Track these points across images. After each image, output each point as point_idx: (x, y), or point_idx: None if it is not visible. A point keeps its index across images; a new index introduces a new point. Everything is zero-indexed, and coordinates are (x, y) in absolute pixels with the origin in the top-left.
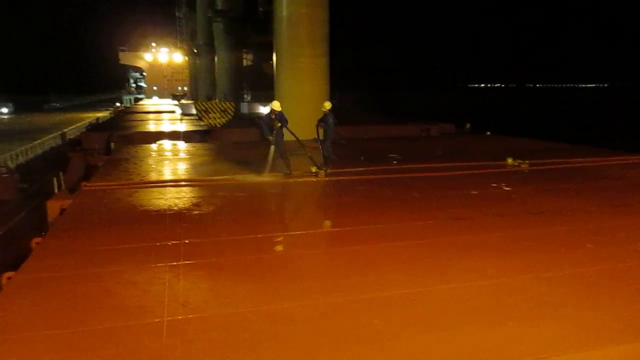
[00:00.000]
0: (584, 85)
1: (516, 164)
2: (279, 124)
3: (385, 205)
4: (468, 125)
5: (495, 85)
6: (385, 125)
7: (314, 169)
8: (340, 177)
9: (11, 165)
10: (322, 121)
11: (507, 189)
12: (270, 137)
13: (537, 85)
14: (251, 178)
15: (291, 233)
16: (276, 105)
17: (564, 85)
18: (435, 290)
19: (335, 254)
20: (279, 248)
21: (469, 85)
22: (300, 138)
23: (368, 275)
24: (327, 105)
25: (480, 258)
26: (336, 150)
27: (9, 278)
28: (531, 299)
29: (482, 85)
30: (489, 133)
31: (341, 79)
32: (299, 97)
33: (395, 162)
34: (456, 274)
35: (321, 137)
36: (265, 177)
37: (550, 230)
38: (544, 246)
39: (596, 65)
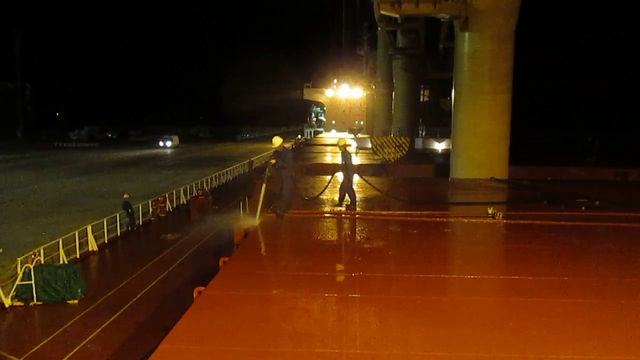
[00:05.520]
0: None
1: None
2: (273, 161)
3: (571, 255)
4: None
5: None
6: (572, 167)
7: (490, 210)
8: (520, 221)
9: (206, 188)
10: (343, 159)
11: None
12: (266, 175)
13: None
14: (246, 221)
15: (463, 276)
16: (274, 141)
17: None
18: None
19: (512, 304)
20: (450, 291)
21: None
22: (475, 176)
23: (548, 333)
24: (342, 142)
25: None
26: (519, 192)
27: (199, 292)
28: None
29: None
30: None
31: (522, 115)
32: (477, 134)
33: (583, 208)
34: None
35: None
36: (256, 220)
37: None
38: None
39: None
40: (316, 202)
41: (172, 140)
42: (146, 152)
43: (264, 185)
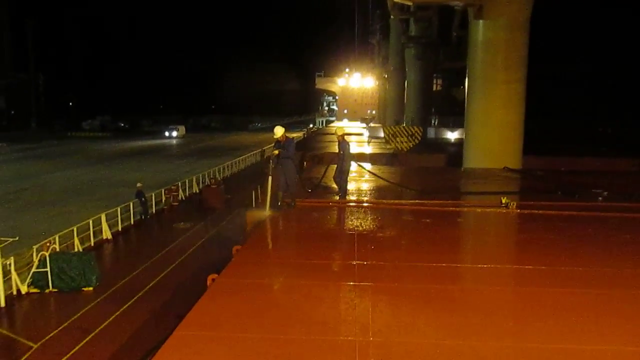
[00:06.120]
0: None
1: None
2: (277, 152)
3: (585, 246)
4: None
5: None
6: (586, 157)
7: (503, 200)
8: (534, 211)
9: (219, 177)
10: (340, 149)
11: None
12: (270, 167)
13: None
14: (258, 210)
15: (475, 266)
16: (277, 131)
17: None
18: None
19: (524, 294)
20: (463, 280)
21: None
22: (488, 166)
23: (561, 323)
24: (341, 131)
25: None
26: (532, 182)
27: (213, 279)
28: None
29: None
30: None
31: (536, 104)
32: (490, 124)
33: (600, 198)
34: None
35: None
36: (266, 212)
37: None
38: None
39: None
40: (326, 191)
41: (177, 131)
42: (157, 142)
43: (269, 177)
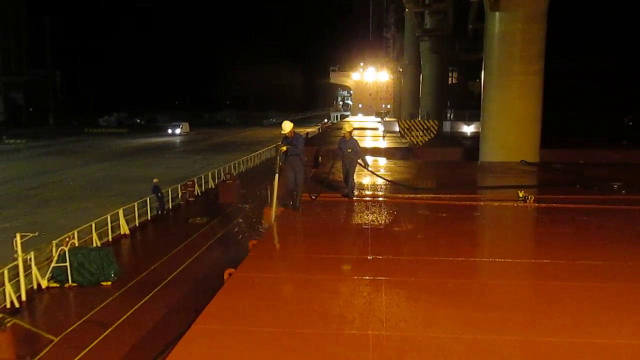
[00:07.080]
0: None
1: None
2: (284, 148)
3: (605, 240)
4: None
5: None
6: (606, 150)
7: (521, 194)
8: (552, 205)
9: (234, 172)
10: (340, 147)
11: None
12: (278, 164)
13: None
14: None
15: (493, 260)
16: (285, 127)
17: None
18: None
19: (543, 288)
20: (480, 274)
21: None
22: (505, 160)
23: (580, 317)
24: (349, 127)
25: None
26: (550, 176)
27: (230, 274)
28: None
29: None
30: None
31: (554, 96)
32: (508, 117)
33: (623, 192)
34: None
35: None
36: (273, 212)
37: None
38: None
39: None
40: (338, 187)
41: (181, 128)
42: (170, 139)
43: (276, 175)
